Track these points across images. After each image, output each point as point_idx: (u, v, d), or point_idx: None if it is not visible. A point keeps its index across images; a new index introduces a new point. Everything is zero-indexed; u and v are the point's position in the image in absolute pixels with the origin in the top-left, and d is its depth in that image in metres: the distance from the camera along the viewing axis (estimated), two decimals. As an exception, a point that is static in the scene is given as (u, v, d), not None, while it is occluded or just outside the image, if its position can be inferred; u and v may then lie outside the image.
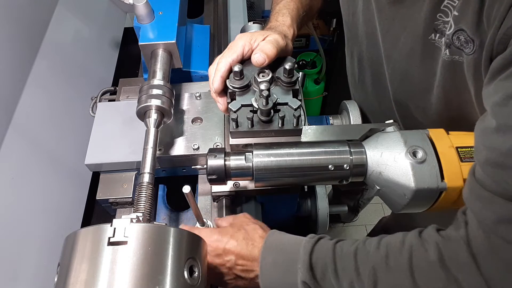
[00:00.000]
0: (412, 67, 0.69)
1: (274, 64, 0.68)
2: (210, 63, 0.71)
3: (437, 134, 0.63)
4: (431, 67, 0.66)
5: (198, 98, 0.82)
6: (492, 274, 0.45)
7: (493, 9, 0.48)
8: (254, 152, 0.62)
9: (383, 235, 0.55)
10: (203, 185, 0.79)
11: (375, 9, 0.71)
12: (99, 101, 0.88)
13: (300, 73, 0.72)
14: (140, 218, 0.52)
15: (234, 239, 0.60)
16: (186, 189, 0.56)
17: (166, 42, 0.74)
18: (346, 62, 1.00)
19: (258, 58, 0.65)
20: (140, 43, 0.74)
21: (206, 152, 0.64)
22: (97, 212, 0.88)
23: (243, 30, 0.87)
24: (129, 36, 1.20)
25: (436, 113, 0.73)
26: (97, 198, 0.75)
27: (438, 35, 0.60)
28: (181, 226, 0.67)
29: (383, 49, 0.74)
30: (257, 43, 0.67)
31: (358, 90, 0.97)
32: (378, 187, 0.63)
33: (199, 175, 0.81)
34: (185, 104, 0.82)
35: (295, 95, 0.67)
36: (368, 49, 0.81)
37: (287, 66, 0.65)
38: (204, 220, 0.70)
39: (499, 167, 0.45)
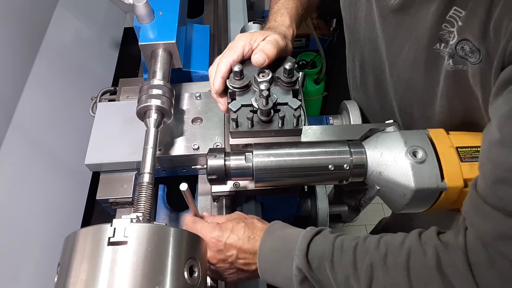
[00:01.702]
0: (416, 76, 0.69)
1: (274, 64, 0.68)
2: (210, 63, 0.71)
3: (437, 134, 0.63)
4: (435, 76, 0.65)
5: (198, 98, 0.82)
6: (487, 286, 0.45)
7: (503, 21, 0.48)
8: (254, 152, 0.62)
9: (384, 234, 0.55)
10: (203, 185, 0.79)
11: (378, 17, 0.70)
12: (99, 101, 0.88)
13: (300, 73, 0.72)
14: (140, 218, 0.52)
15: (235, 234, 0.60)
16: (183, 186, 0.56)
17: (166, 42, 0.74)
18: (347, 64, 1.00)
19: (258, 58, 0.65)
20: (140, 43, 0.74)
21: (206, 152, 0.64)
22: (97, 212, 0.88)
23: (243, 30, 0.87)
24: (129, 36, 1.20)
25: (440, 121, 0.72)
26: (97, 198, 0.75)
27: (443, 44, 0.60)
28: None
29: (386, 57, 0.74)
30: (257, 43, 0.67)
31: (359, 93, 0.97)
32: (378, 187, 0.63)
33: (199, 175, 0.81)
34: (185, 104, 0.82)
35: (295, 95, 0.67)
36: (370, 54, 0.81)
37: (287, 66, 0.65)
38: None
39: (502, 182, 0.44)
